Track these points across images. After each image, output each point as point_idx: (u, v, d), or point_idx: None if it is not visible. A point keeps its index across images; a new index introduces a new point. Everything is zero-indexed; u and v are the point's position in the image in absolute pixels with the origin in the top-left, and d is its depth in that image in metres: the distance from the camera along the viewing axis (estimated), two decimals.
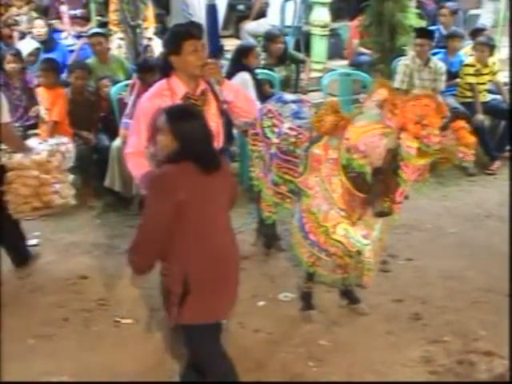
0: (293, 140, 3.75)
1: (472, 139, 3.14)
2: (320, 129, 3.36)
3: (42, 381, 3.36)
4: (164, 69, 3.28)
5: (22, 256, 4.45)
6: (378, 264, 3.72)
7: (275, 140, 3.87)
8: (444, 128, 3.01)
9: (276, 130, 3.89)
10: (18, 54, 5.62)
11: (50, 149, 4.21)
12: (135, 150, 3.29)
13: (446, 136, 3.03)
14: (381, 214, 3.20)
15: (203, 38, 3.23)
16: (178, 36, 3.22)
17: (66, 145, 4.36)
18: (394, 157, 3.04)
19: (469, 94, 6.44)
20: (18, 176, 4.08)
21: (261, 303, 4.08)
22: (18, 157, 4.12)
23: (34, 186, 4.10)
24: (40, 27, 6.75)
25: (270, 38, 6.30)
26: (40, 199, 4.15)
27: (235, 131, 5.54)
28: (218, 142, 3.36)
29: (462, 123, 3.15)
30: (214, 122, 3.30)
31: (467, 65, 6.48)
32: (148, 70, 4.96)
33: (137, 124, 3.30)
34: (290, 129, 3.80)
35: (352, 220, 3.40)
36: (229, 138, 5.64)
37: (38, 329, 3.77)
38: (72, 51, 6.91)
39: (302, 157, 3.63)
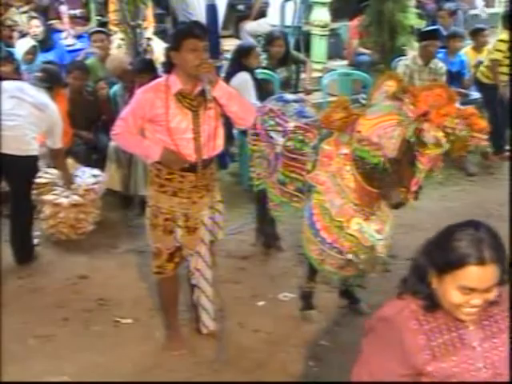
0: (300, 138, 3.75)
1: (484, 124, 3.11)
2: (329, 125, 3.35)
3: (41, 381, 3.36)
4: (167, 65, 3.31)
5: (26, 254, 4.48)
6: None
7: (280, 139, 3.86)
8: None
9: (280, 129, 3.88)
10: (6, 57, 5.55)
11: (87, 188, 4.67)
12: (125, 129, 3.26)
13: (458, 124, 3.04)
14: (397, 205, 3.19)
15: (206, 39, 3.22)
16: (179, 34, 3.26)
17: (100, 183, 4.79)
18: (409, 147, 3.04)
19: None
20: (56, 213, 4.55)
21: (261, 303, 4.07)
22: (57, 197, 4.55)
23: (70, 224, 4.61)
24: (35, 27, 6.73)
25: (269, 40, 6.25)
26: (75, 232, 4.67)
27: (235, 131, 5.53)
28: (214, 146, 3.32)
29: (471, 109, 3.14)
30: (208, 125, 3.27)
31: (501, 40, 6.27)
32: (146, 71, 4.96)
33: (127, 112, 3.30)
34: (297, 127, 3.80)
35: (365, 214, 3.40)
36: (229, 138, 5.64)
37: (38, 329, 3.77)
38: (71, 51, 6.91)
39: (310, 154, 3.63)
